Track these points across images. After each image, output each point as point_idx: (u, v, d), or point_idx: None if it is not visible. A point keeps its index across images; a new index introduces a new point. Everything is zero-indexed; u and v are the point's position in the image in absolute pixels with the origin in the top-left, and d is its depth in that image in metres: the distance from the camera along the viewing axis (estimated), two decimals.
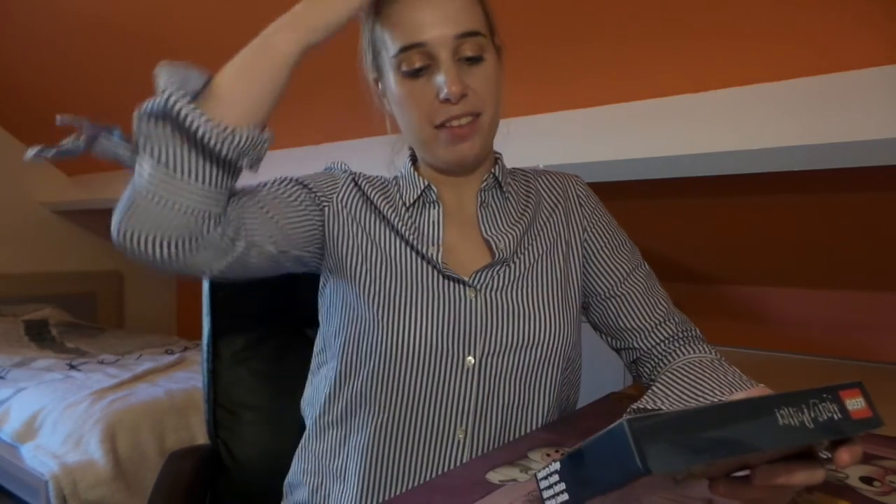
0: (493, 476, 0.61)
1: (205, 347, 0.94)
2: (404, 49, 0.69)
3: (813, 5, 1.10)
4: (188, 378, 2.24)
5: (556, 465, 0.42)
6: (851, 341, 1.70)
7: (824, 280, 1.74)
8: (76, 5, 2.01)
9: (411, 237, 0.75)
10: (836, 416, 0.42)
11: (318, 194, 0.76)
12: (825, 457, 0.58)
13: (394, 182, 0.82)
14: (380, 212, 0.77)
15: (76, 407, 1.93)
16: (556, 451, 0.67)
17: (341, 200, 0.77)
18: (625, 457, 0.36)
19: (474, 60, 0.70)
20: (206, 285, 0.95)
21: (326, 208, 0.76)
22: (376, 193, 0.79)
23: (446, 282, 0.73)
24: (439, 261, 0.72)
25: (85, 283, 3.53)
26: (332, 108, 2.05)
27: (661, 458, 0.35)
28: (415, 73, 0.70)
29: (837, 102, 1.17)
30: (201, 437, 1.96)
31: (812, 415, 0.42)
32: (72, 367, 2.42)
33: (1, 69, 2.69)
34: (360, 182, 0.80)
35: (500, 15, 0.76)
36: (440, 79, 0.69)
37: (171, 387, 2.12)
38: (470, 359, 0.71)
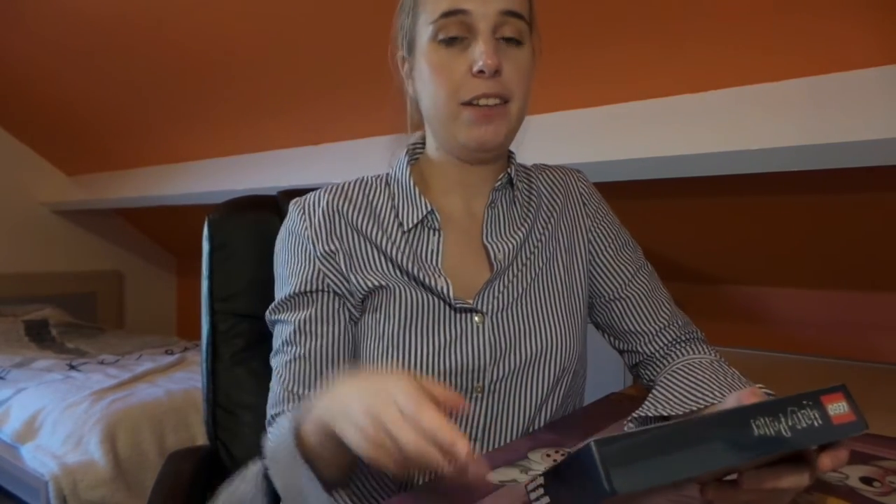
0: (493, 476, 0.61)
1: (205, 347, 0.94)
2: (445, 14, 0.66)
3: (810, 7, 1.10)
4: (188, 378, 2.24)
5: (541, 480, 0.44)
6: (851, 341, 1.70)
7: (824, 280, 1.74)
8: (78, 5, 2.01)
9: (412, 268, 0.71)
10: (816, 423, 0.42)
11: (329, 281, 0.72)
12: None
13: (384, 187, 0.77)
14: (371, 241, 0.72)
15: (76, 407, 1.93)
16: (556, 452, 0.67)
17: (327, 257, 0.72)
18: (593, 478, 0.37)
19: (513, 42, 0.68)
20: (205, 285, 0.95)
21: (334, 285, 0.72)
22: (362, 217, 0.74)
23: (453, 311, 0.70)
24: (451, 296, 0.69)
25: (85, 283, 3.53)
26: (332, 108, 2.05)
27: (629, 479, 0.36)
28: (450, 42, 0.67)
29: (836, 103, 1.17)
30: (201, 438, 1.96)
31: (790, 423, 0.42)
32: (72, 367, 2.42)
33: (2, 69, 2.69)
34: (336, 206, 0.74)
35: None
36: (476, 50, 0.66)
37: (170, 387, 2.12)
38: (479, 386, 0.70)
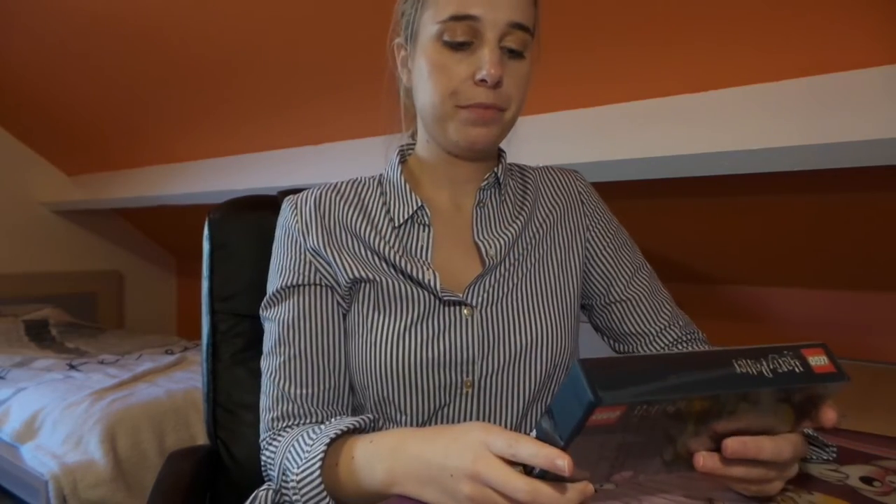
0: None
1: (205, 347, 0.94)
2: (454, 17, 0.66)
3: (810, 6, 1.10)
4: (188, 378, 2.25)
5: (534, 432, 0.46)
6: (851, 341, 1.70)
7: (824, 280, 1.74)
8: (79, 5, 2.01)
9: (401, 261, 0.71)
10: (797, 370, 0.44)
11: (321, 277, 0.73)
12: (809, 433, 0.58)
13: (376, 186, 0.78)
14: (359, 237, 0.73)
15: (76, 407, 1.93)
16: None
17: (316, 249, 0.73)
18: (579, 391, 0.39)
19: (515, 55, 0.68)
20: (205, 285, 0.95)
21: (324, 277, 0.73)
22: (353, 212, 0.75)
23: (442, 304, 0.70)
24: (437, 288, 0.69)
25: (85, 283, 3.53)
26: (332, 108, 2.05)
27: (612, 389, 0.39)
28: (455, 46, 0.67)
29: (836, 102, 1.17)
30: (201, 437, 1.96)
31: (771, 366, 0.43)
32: (72, 367, 2.42)
33: (2, 69, 2.69)
34: (327, 201, 0.76)
35: None
36: (482, 59, 0.66)
37: (171, 387, 2.12)
38: (468, 381, 0.70)
